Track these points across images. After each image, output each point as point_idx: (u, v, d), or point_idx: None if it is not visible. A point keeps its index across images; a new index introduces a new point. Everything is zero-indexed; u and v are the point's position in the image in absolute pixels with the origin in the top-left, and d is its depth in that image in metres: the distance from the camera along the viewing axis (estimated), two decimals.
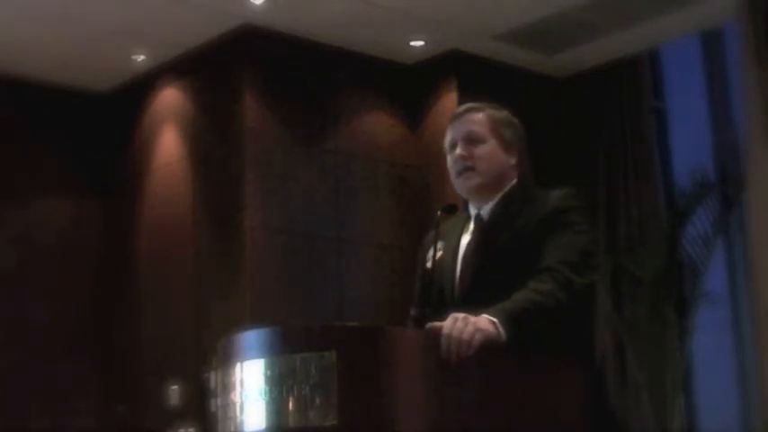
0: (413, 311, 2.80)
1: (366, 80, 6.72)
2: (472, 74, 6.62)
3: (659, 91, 7.06)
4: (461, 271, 2.78)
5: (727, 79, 6.67)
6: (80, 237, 6.96)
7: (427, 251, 2.88)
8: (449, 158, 2.87)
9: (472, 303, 2.51)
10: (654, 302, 6.20)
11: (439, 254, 2.83)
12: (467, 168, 2.81)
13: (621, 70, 6.84)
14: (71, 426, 6.55)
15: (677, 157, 6.89)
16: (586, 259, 2.63)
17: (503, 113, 2.90)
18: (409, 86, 6.81)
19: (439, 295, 2.79)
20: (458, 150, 2.83)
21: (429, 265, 2.84)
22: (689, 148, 6.83)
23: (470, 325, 2.36)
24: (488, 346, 2.37)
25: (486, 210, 2.84)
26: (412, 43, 6.56)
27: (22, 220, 6.75)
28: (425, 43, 6.57)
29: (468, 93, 6.46)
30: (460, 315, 2.39)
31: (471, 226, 2.85)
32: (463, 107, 2.91)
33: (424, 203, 6.55)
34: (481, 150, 2.82)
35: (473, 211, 2.88)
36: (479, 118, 2.86)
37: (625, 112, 6.83)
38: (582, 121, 6.96)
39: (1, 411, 6.28)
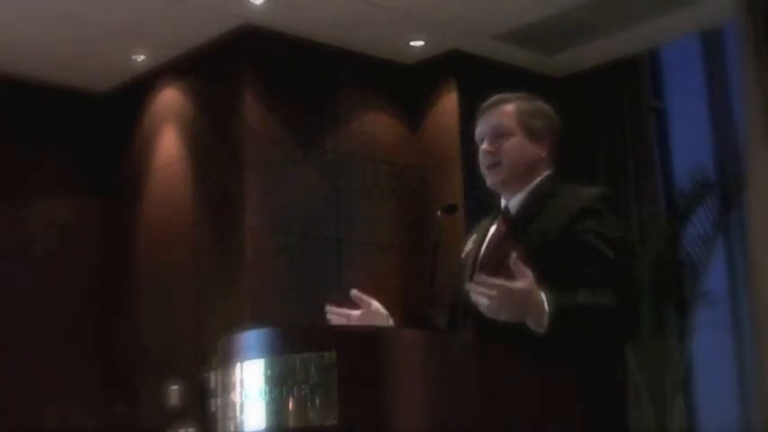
0: (448, 300, 2.84)
1: (366, 80, 6.72)
2: (472, 74, 6.61)
3: (659, 91, 7.06)
4: (482, 259, 2.79)
5: (727, 79, 6.66)
6: (80, 237, 6.96)
7: (463, 246, 2.91)
8: (479, 152, 2.85)
9: None
10: (654, 302, 6.19)
11: (470, 246, 2.86)
12: (494, 164, 2.79)
13: (621, 70, 6.84)
14: (71, 426, 6.54)
15: (677, 157, 6.90)
16: (629, 272, 2.62)
17: (533, 104, 2.86)
18: (409, 86, 6.80)
19: (460, 282, 2.80)
20: (484, 145, 2.81)
21: (463, 256, 2.88)
22: (689, 148, 6.83)
23: (513, 301, 2.42)
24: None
25: (513, 202, 2.82)
26: (412, 43, 6.56)
27: (22, 220, 6.75)
28: (425, 43, 6.56)
29: (468, 93, 6.46)
30: (521, 285, 2.42)
31: (500, 218, 2.86)
32: (492, 99, 2.86)
33: (424, 203, 6.55)
34: (507, 144, 2.78)
35: (502, 202, 2.86)
36: (507, 110, 2.81)
37: (625, 112, 6.83)
38: (582, 121, 6.94)
39: (1, 411, 6.27)
